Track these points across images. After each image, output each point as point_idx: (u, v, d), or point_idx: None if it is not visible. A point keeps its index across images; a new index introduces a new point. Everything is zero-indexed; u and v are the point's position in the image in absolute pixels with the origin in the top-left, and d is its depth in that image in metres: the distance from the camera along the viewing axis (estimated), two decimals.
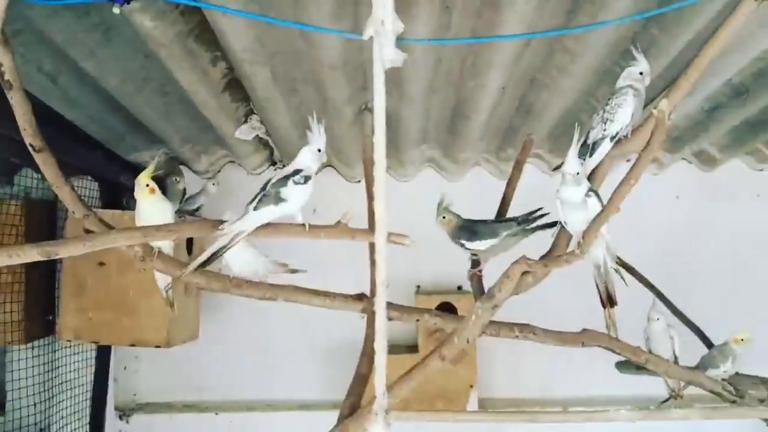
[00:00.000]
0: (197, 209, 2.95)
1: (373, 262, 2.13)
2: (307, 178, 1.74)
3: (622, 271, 2.48)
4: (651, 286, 2.65)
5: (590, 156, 1.72)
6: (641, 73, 1.71)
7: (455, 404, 2.99)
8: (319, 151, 1.75)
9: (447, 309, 3.01)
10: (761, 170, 3.36)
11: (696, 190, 3.38)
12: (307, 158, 1.75)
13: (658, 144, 1.45)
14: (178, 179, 2.66)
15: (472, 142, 2.85)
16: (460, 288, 3.29)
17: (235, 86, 2.40)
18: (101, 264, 2.64)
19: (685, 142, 2.97)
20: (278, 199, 1.72)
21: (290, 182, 1.73)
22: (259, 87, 2.25)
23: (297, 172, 1.74)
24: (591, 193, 1.65)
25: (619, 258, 2.47)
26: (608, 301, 1.90)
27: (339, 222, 1.68)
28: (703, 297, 3.12)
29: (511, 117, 2.67)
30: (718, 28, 1.50)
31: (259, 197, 1.74)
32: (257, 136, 2.85)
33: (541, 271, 1.76)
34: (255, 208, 1.73)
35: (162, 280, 2.01)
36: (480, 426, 3.20)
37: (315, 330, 3.26)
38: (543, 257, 1.82)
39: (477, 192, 2.73)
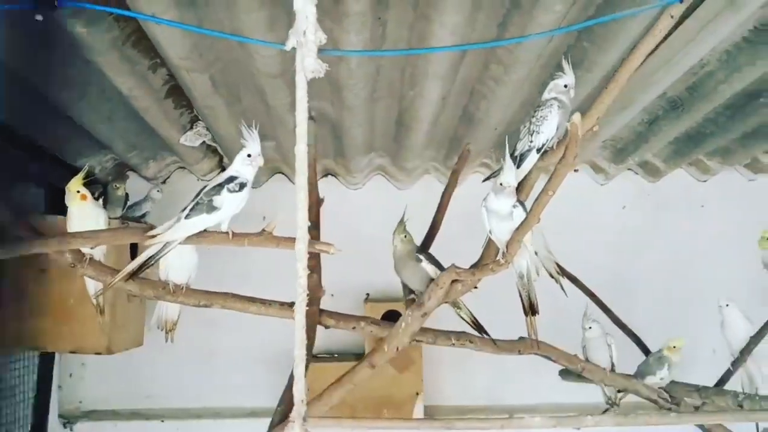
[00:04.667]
0: (143, 216, 2.93)
1: (311, 270, 2.16)
2: (242, 186, 1.72)
3: (562, 280, 2.54)
4: (592, 295, 2.69)
5: (518, 167, 1.75)
6: (566, 86, 1.74)
7: (401, 412, 3.00)
8: (250, 156, 1.74)
9: (394, 317, 3.02)
10: (705, 181, 3.43)
11: (642, 200, 3.45)
12: (240, 164, 1.74)
13: (573, 156, 1.48)
14: (118, 185, 2.64)
15: (418, 150, 2.88)
16: None
17: (178, 93, 2.40)
18: (42, 270, 2.60)
19: (628, 153, 3.03)
20: (211, 208, 1.69)
21: (224, 190, 1.71)
22: (200, 94, 2.25)
23: (232, 179, 1.73)
24: (517, 204, 1.68)
25: (560, 266, 2.53)
26: (530, 309, 1.92)
27: (263, 230, 1.69)
28: (648, 306, 3.18)
29: (455, 126, 2.70)
30: (638, 43, 1.54)
31: (191, 206, 1.72)
32: (204, 142, 2.84)
33: (470, 280, 1.78)
34: (187, 217, 1.71)
35: (93, 286, 1.99)
36: None
37: (262, 337, 3.24)
38: (473, 266, 1.85)
39: (427, 200, 2.74)
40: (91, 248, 1.79)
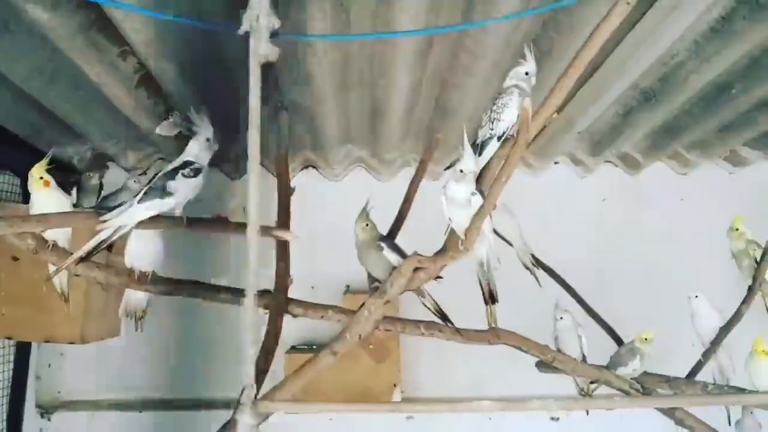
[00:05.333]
0: (119, 206, 2.91)
1: (278, 259, 2.17)
2: (197, 171, 1.73)
3: (537, 271, 2.54)
4: (566, 287, 2.68)
5: (479, 155, 1.74)
6: (527, 73, 1.73)
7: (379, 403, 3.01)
8: (209, 140, 1.73)
9: None
10: (685, 174, 3.42)
11: (622, 193, 3.44)
12: (196, 149, 1.74)
13: (524, 142, 1.47)
14: (92, 174, 2.64)
15: (395, 142, 2.87)
16: None
17: (150, 82, 2.38)
18: (15, 259, 2.60)
19: (605, 146, 3.02)
20: (164, 193, 1.69)
21: (179, 175, 1.71)
22: (169, 83, 2.25)
23: (187, 164, 1.73)
24: (476, 191, 1.67)
25: (535, 258, 2.53)
26: (490, 297, 1.92)
27: (218, 215, 1.68)
28: (627, 298, 3.17)
29: (429, 118, 2.69)
30: (595, 29, 1.52)
31: (144, 190, 1.72)
32: (181, 132, 2.83)
33: (432, 267, 1.78)
34: (140, 201, 1.70)
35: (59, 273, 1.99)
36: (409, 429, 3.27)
37: (240, 328, 3.23)
38: (436, 254, 1.84)
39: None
40: (42, 230, 1.77)
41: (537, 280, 2.51)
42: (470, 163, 1.66)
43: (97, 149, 3.01)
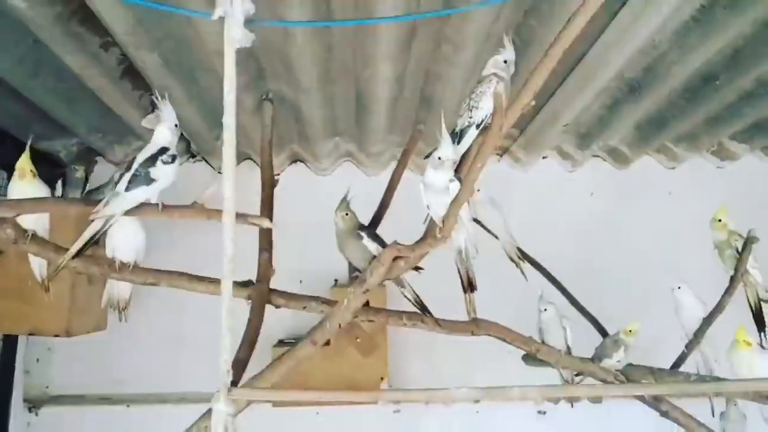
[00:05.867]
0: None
1: (261, 249, 2.17)
2: (173, 157, 1.74)
3: (522, 264, 2.54)
4: (552, 279, 2.68)
5: (458, 143, 1.74)
6: (506, 62, 1.72)
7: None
8: (176, 126, 1.76)
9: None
10: (673, 168, 3.43)
11: (610, 187, 3.45)
12: (168, 136, 1.76)
13: (498, 127, 1.46)
14: (77, 168, 2.64)
15: (381, 135, 2.87)
16: None
17: (134, 73, 2.38)
18: (0, 252, 2.60)
19: (592, 139, 3.03)
20: (149, 180, 1.71)
21: (159, 162, 1.72)
22: (153, 74, 2.24)
23: (164, 150, 1.74)
24: (454, 178, 1.67)
25: (521, 251, 2.53)
26: (469, 286, 1.92)
27: (195, 202, 1.68)
28: (616, 292, 3.17)
29: (415, 110, 2.69)
30: (572, 16, 1.52)
31: (129, 178, 1.73)
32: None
33: (412, 256, 1.78)
34: (127, 189, 1.72)
35: (37, 263, 1.99)
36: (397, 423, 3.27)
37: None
38: (415, 243, 1.84)
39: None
40: (15, 215, 1.77)
41: (523, 273, 2.51)
42: (448, 150, 1.66)
43: (84, 143, 3.01)
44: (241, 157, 3.31)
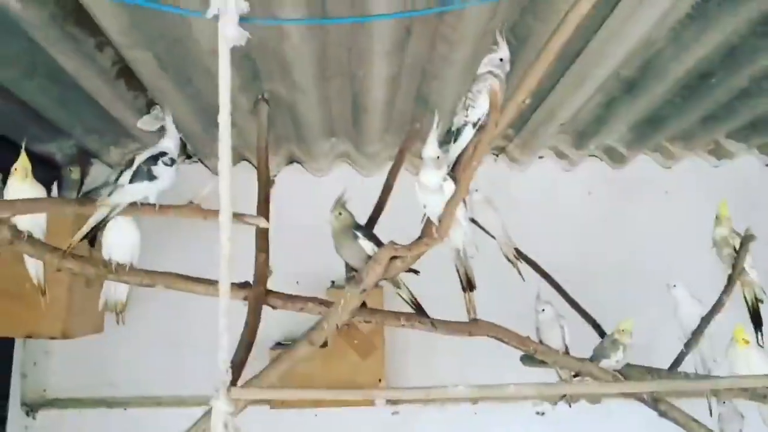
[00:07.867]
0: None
1: (258, 251, 2.16)
2: (173, 161, 1.76)
3: (519, 264, 2.54)
4: (549, 279, 2.68)
5: (454, 142, 1.73)
6: (501, 60, 1.71)
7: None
8: (181, 139, 1.80)
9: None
10: (669, 167, 3.43)
11: (607, 186, 3.45)
12: (171, 145, 1.80)
13: (494, 124, 1.46)
14: (72, 169, 2.63)
15: (377, 134, 2.87)
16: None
17: (129, 74, 2.37)
18: None
19: (589, 138, 3.03)
20: (151, 176, 1.78)
21: (160, 162, 1.76)
22: (147, 75, 2.24)
23: (163, 153, 1.76)
24: (448, 177, 1.66)
25: (518, 251, 2.53)
26: (468, 285, 1.91)
27: (190, 202, 1.68)
28: (613, 292, 3.16)
29: (412, 109, 2.69)
30: (568, 12, 1.52)
31: (131, 173, 1.76)
32: (162, 127, 2.82)
33: (409, 255, 1.77)
34: (130, 182, 1.78)
35: (33, 265, 1.98)
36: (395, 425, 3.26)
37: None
38: (412, 242, 1.83)
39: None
40: (9, 216, 1.77)
41: (520, 273, 2.51)
42: (431, 149, 1.66)
43: (79, 145, 3.00)
44: (238, 158, 3.30)
